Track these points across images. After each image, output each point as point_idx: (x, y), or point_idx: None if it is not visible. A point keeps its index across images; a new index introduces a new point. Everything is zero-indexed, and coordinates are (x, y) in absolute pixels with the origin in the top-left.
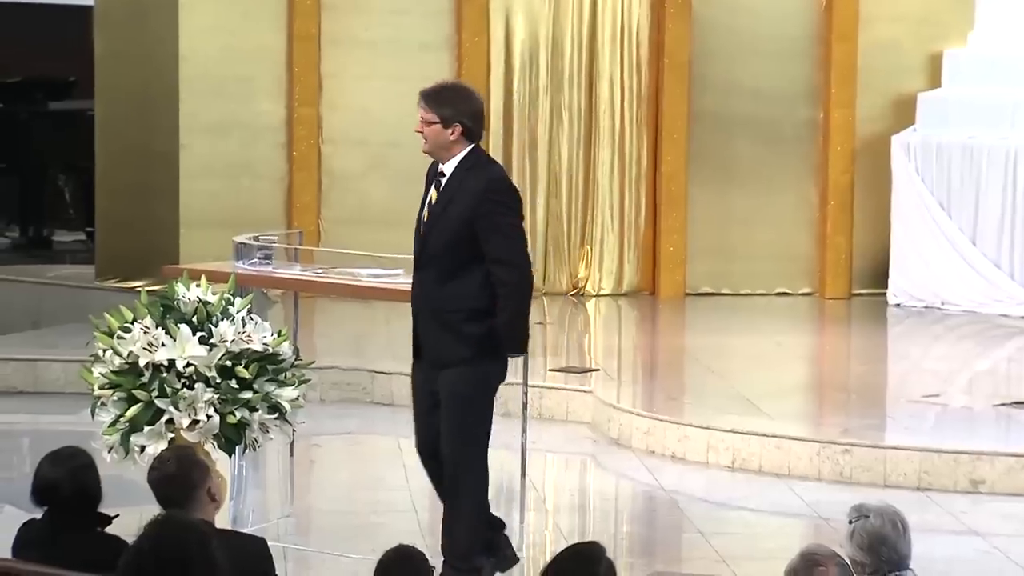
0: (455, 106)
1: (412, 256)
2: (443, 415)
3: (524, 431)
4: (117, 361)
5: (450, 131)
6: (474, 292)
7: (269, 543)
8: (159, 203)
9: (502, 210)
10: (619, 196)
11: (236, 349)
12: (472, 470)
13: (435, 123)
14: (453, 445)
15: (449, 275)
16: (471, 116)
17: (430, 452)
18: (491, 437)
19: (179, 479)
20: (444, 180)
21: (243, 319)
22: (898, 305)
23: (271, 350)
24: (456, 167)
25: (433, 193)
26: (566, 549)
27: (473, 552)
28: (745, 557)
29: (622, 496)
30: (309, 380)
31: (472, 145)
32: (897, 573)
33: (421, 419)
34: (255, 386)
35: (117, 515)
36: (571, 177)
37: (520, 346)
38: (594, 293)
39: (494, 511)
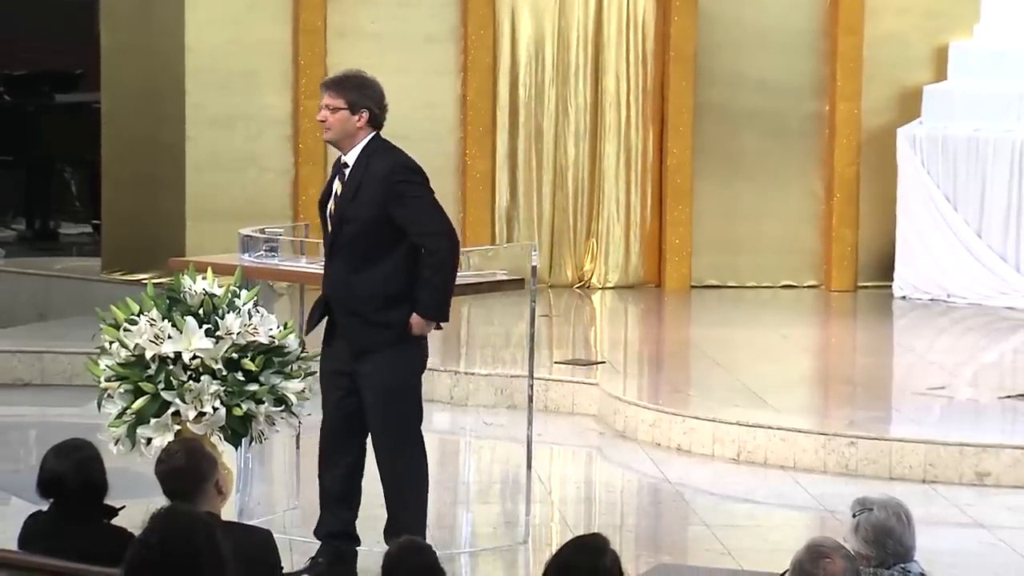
0: (362, 91)
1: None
2: (370, 408)
3: (530, 423)
4: (123, 353)
5: (357, 117)
6: (386, 278)
7: (275, 535)
8: (165, 195)
9: (413, 187)
10: (625, 189)
11: (242, 341)
12: (409, 456)
13: (342, 109)
14: (387, 437)
15: (360, 263)
16: (377, 102)
17: (338, 443)
18: (423, 419)
19: (188, 472)
20: (348, 170)
21: (249, 311)
22: (904, 298)
23: (277, 342)
24: (359, 154)
25: (338, 184)
26: (570, 541)
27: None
28: (750, 549)
29: (628, 488)
30: (315, 372)
31: (375, 132)
32: (902, 565)
33: (331, 411)
34: (261, 378)
35: (123, 507)
36: (577, 170)
37: (443, 313)
38: (600, 286)
39: (500, 503)
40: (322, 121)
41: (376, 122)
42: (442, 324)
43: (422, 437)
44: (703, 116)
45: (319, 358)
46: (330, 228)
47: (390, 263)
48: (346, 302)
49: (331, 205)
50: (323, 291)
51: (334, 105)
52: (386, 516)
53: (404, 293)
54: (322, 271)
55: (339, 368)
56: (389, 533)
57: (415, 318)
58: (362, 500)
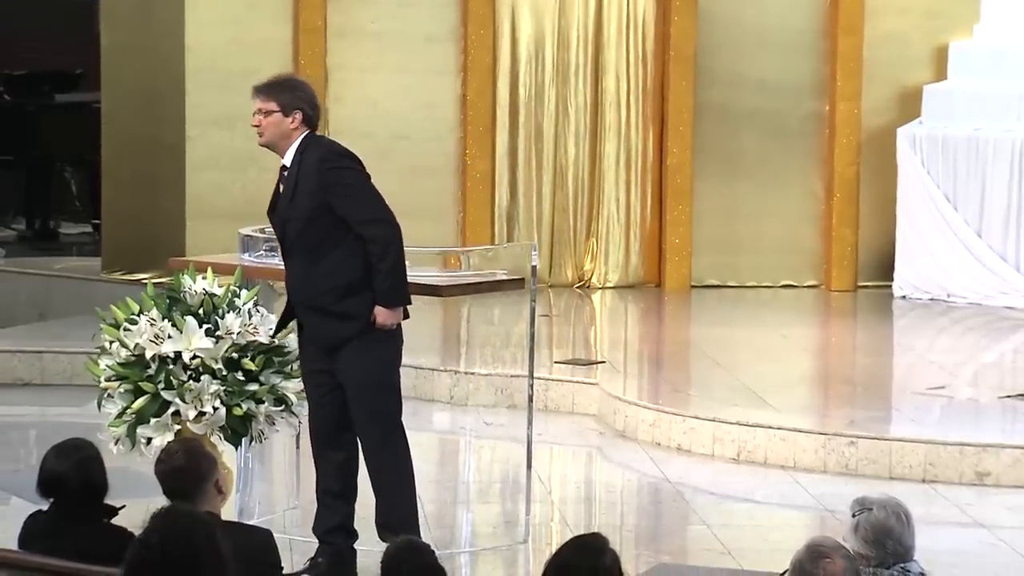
0: (293, 93)
1: (417, 248)
2: (351, 403)
3: (530, 423)
4: (123, 353)
5: (290, 119)
6: (338, 269)
7: (275, 535)
8: (165, 195)
9: (347, 173)
10: (625, 189)
11: (242, 341)
12: (388, 449)
13: (275, 112)
14: (367, 431)
15: (313, 258)
16: (309, 102)
17: (326, 440)
18: (402, 411)
19: (188, 472)
20: (287, 171)
21: (249, 311)
22: (903, 297)
23: (277, 342)
24: (294, 154)
25: (282, 184)
26: (570, 541)
27: (414, 530)
28: (750, 549)
29: (628, 488)
30: None
31: (308, 131)
32: (902, 565)
33: (314, 408)
34: (261, 378)
35: (123, 507)
36: (577, 170)
37: (400, 297)
38: (600, 285)
39: (500, 503)
40: (256, 126)
41: (310, 122)
42: (408, 311)
43: (403, 428)
44: (703, 116)
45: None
46: (280, 230)
47: (342, 251)
48: (306, 299)
49: (280, 206)
50: (287, 295)
51: (266, 109)
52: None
53: (362, 281)
54: None
55: (318, 367)
56: (380, 526)
57: (378, 310)
58: (360, 500)
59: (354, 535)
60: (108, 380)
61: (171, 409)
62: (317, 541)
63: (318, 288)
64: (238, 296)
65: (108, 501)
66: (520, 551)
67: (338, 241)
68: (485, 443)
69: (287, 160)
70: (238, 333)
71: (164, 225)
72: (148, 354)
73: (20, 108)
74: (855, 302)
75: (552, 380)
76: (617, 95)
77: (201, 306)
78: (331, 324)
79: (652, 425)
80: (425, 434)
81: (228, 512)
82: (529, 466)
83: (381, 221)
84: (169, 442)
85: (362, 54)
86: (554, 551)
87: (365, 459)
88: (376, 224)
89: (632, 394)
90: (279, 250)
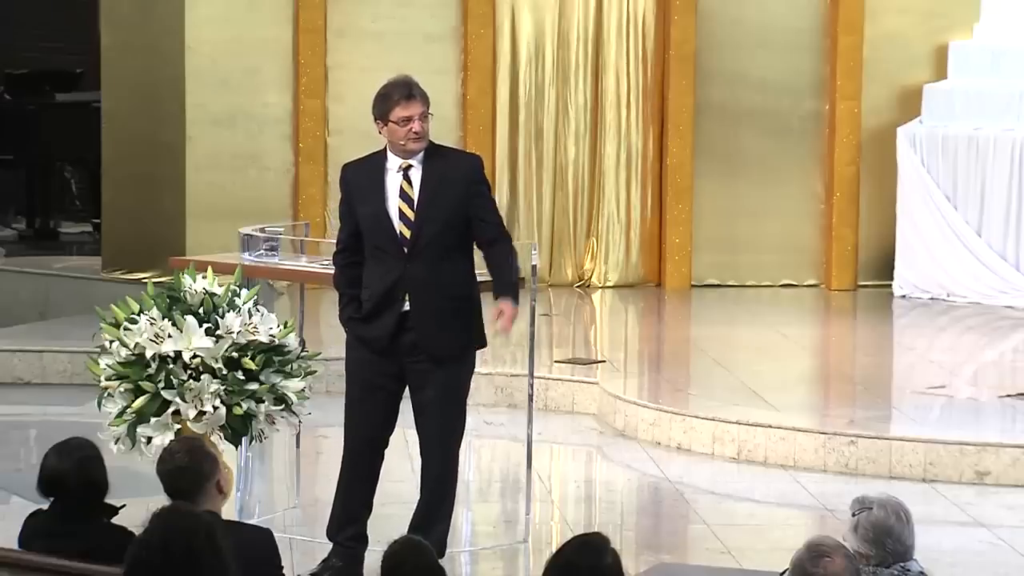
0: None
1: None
2: (434, 412)
3: (530, 422)
4: (124, 352)
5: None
6: (465, 278)
7: (275, 534)
8: (165, 194)
9: (489, 190)
10: (625, 188)
11: (242, 340)
12: (455, 464)
13: (430, 114)
14: (449, 443)
15: (441, 262)
16: None
17: (377, 452)
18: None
19: (190, 471)
20: (419, 169)
21: (249, 310)
22: (904, 297)
23: (277, 341)
24: (424, 154)
25: (404, 184)
26: (571, 540)
27: (445, 536)
28: (750, 548)
29: (628, 487)
30: (315, 371)
31: None
32: (902, 564)
33: (381, 420)
34: (261, 377)
35: (124, 506)
36: (577, 169)
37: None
38: (600, 285)
39: (500, 502)
40: (417, 132)
41: None
42: None
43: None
44: (703, 115)
45: (354, 362)
46: (403, 230)
47: (468, 263)
48: (433, 304)
49: (400, 206)
50: (390, 294)
51: (425, 112)
52: (413, 516)
53: (477, 293)
54: (322, 270)
55: (389, 372)
56: (419, 529)
57: (509, 306)
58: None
59: (366, 540)
60: (108, 379)
61: (171, 408)
62: (328, 542)
63: (446, 292)
64: (238, 295)
65: (108, 500)
66: (520, 550)
67: (467, 251)
68: (485, 442)
69: (413, 160)
70: (238, 332)
71: (164, 224)
72: (148, 353)
73: (20, 107)
74: (855, 301)
75: (552, 379)
76: (617, 95)
77: (201, 305)
78: (454, 331)
79: (652, 424)
80: None
81: (228, 512)
82: (529, 465)
83: (510, 238)
84: (171, 441)
85: (362, 54)
86: (554, 550)
87: (428, 465)
88: (507, 239)
89: (632, 393)
90: (380, 249)
